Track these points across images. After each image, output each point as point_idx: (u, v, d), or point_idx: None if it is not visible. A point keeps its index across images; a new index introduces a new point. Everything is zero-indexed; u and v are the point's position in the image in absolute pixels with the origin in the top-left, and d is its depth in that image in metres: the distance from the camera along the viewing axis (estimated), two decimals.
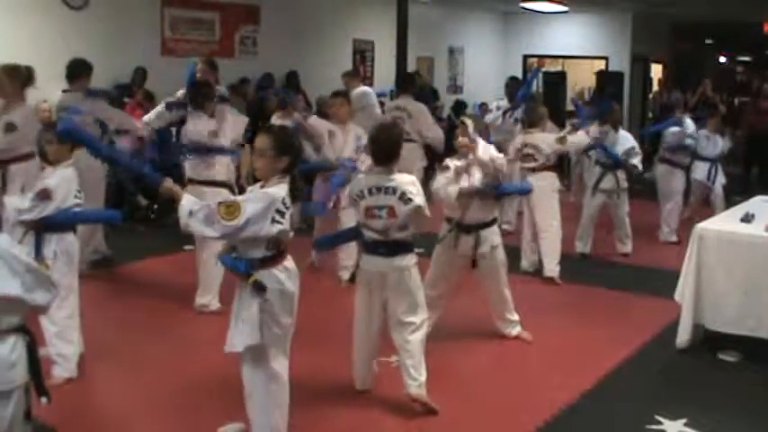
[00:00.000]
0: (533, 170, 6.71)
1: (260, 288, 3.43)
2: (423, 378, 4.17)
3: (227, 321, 3.61)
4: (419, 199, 4.05)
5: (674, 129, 8.27)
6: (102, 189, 6.78)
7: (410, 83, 8.66)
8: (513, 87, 9.18)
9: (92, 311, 4.83)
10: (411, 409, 4.18)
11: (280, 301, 3.50)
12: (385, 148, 4.14)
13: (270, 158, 3.48)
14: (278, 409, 3.58)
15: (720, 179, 8.74)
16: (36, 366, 2.97)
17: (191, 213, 3.41)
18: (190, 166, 5.75)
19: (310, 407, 4.16)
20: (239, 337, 3.49)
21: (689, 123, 8.33)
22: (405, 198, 4.03)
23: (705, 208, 8.62)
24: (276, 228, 3.41)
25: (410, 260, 4.17)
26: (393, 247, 4.12)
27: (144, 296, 6.08)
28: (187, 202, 3.46)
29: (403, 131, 4.44)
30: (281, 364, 3.57)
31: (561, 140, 6.68)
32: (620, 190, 7.47)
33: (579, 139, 6.98)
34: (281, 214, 3.43)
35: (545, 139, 6.69)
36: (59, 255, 4.36)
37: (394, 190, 4.05)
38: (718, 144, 8.70)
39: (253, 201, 3.43)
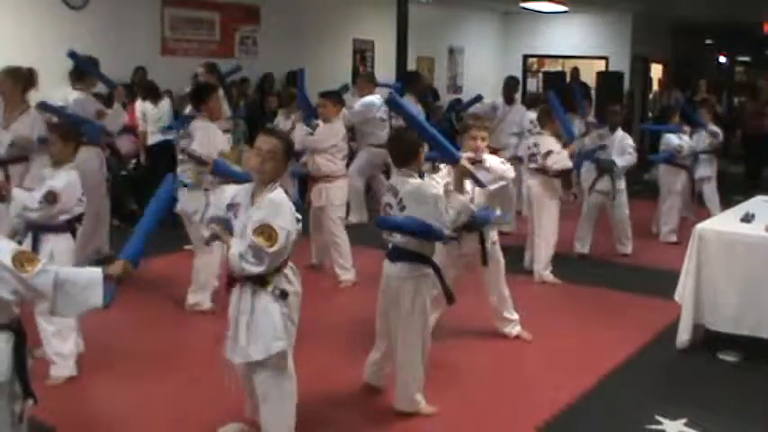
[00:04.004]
0: (535, 171, 6.73)
1: (284, 295, 3.46)
2: (407, 394, 4.13)
3: (226, 320, 3.62)
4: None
5: (673, 141, 8.18)
6: (103, 191, 6.78)
7: (413, 82, 8.61)
8: (510, 87, 9.13)
9: (91, 311, 4.82)
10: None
11: (295, 300, 3.54)
12: (397, 151, 4.17)
13: (279, 162, 3.49)
14: (292, 406, 3.60)
15: (703, 172, 8.65)
16: (22, 366, 2.93)
17: (241, 257, 3.33)
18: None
19: (309, 407, 4.16)
20: (258, 346, 3.45)
21: (686, 140, 8.24)
22: (401, 205, 3.99)
23: (703, 208, 8.63)
24: (299, 226, 3.48)
25: (411, 271, 4.04)
26: (396, 253, 4.07)
27: (143, 296, 6.07)
28: (235, 246, 3.37)
29: (400, 140, 4.36)
30: (291, 361, 3.60)
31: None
32: (616, 191, 7.46)
33: (560, 160, 6.65)
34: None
35: (548, 145, 6.68)
36: (56, 255, 4.35)
37: (396, 193, 4.03)
38: (702, 138, 8.63)
39: (282, 215, 3.40)
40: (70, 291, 2.86)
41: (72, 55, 6.52)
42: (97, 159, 6.62)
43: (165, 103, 8.92)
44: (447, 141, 4.15)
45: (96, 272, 2.92)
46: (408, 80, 8.69)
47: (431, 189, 4.04)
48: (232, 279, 3.56)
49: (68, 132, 4.63)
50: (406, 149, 4.11)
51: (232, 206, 3.52)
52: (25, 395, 2.99)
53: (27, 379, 2.98)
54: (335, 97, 6.72)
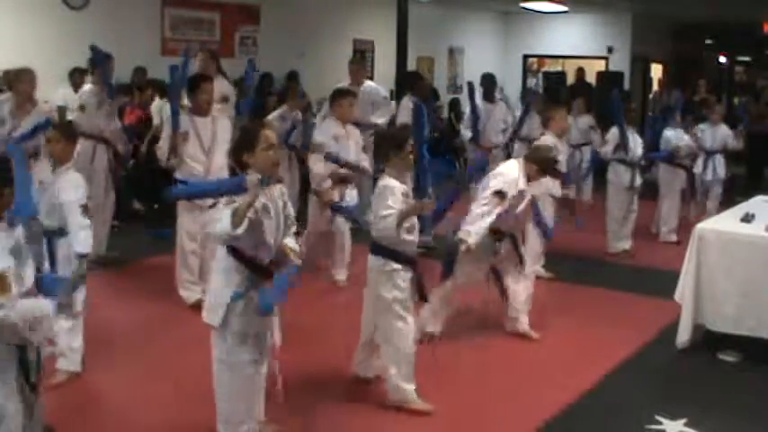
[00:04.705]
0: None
1: None
2: (392, 384, 4.19)
3: None
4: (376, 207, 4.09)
5: (671, 141, 8.17)
6: (102, 184, 6.77)
7: (416, 80, 8.49)
8: (488, 86, 8.97)
9: (91, 310, 4.82)
10: (409, 407, 4.19)
11: None
12: (374, 148, 4.41)
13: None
14: None
15: (720, 173, 8.69)
16: (25, 360, 2.92)
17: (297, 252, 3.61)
18: None
19: (304, 406, 4.16)
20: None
21: (686, 140, 8.25)
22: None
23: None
24: None
25: (378, 264, 4.15)
26: (374, 246, 4.21)
27: (144, 295, 6.08)
28: (292, 241, 3.63)
29: (393, 133, 4.44)
30: None
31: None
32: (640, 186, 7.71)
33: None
34: None
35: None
36: (71, 258, 4.35)
37: (375, 186, 4.22)
38: (717, 136, 8.67)
39: None
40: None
41: (92, 48, 6.70)
42: (90, 151, 6.67)
43: None
44: (428, 175, 4.26)
45: (47, 306, 2.86)
46: (410, 81, 8.54)
47: (389, 190, 4.07)
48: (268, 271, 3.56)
49: (71, 131, 4.60)
50: (377, 148, 4.30)
51: (266, 210, 3.50)
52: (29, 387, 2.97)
53: (30, 371, 2.96)
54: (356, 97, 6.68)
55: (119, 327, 5.38)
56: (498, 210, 4.88)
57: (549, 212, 6.74)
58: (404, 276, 4.14)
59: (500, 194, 4.89)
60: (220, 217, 3.31)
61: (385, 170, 4.17)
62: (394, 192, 4.04)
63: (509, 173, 5.06)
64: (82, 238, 4.20)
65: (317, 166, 6.27)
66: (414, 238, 4.18)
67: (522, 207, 5.08)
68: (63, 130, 4.54)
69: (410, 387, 4.19)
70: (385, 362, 4.23)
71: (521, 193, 5.03)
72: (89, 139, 6.64)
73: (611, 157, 7.72)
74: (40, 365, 3.01)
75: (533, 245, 6.78)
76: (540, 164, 5.16)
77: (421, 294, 4.30)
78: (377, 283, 4.16)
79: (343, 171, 6.29)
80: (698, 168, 8.59)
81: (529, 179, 5.11)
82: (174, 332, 5.37)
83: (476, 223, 4.86)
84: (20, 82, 6.22)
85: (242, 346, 3.52)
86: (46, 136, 4.51)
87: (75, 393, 4.33)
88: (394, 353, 4.17)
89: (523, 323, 5.38)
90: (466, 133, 8.78)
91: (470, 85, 8.77)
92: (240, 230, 3.27)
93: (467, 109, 9.11)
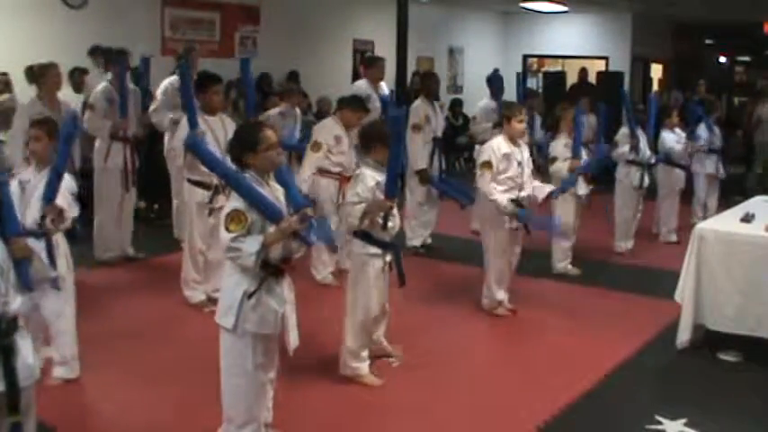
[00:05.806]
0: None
1: None
2: (343, 360, 4.49)
3: None
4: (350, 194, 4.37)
5: (666, 142, 8.17)
6: (118, 183, 6.77)
7: (433, 81, 8.38)
8: (497, 84, 8.85)
9: (91, 311, 4.82)
10: (409, 407, 4.20)
11: None
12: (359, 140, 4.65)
13: None
14: None
15: (727, 171, 8.84)
16: (12, 378, 2.87)
17: None
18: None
19: (298, 405, 4.16)
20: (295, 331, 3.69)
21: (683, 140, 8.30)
22: None
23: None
24: None
25: (359, 248, 4.38)
26: (355, 231, 4.40)
27: (143, 295, 6.08)
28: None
29: (381, 126, 4.62)
30: None
31: (551, 161, 6.82)
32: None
33: (559, 170, 6.80)
34: None
35: (554, 152, 6.83)
36: (68, 255, 4.37)
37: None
38: (719, 136, 8.76)
39: None
40: None
41: (107, 50, 6.98)
42: (105, 150, 6.67)
43: None
44: (395, 179, 4.32)
45: None
46: (427, 81, 8.38)
47: (362, 179, 4.31)
48: (282, 269, 3.56)
49: (54, 129, 4.34)
50: (363, 138, 4.54)
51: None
52: (10, 409, 2.89)
53: (17, 392, 2.90)
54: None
55: (118, 326, 5.37)
56: (490, 176, 5.39)
57: (570, 211, 6.78)
58: (378, 261, 4.36)
59: (487, 164, 5.41)
60: (239, 247, 3.32)
61: (365, 161, 4.41)
62: (366, 181, 4.26)
63: (490, 143, 5.54)
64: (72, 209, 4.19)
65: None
66: (390, 226, 4.33)
67: (513, 171, 5.40)
68: (47, 128, 4.30)
69: (359, 366, 4.45)
70: (345, 338, 4.47)
71: (506, 156, 5.40)
72: (103, 139, 6.65)
73: (625, 157, 7.70)
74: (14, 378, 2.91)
75: (557, 245, 6.86)
76: (513, 114, 5.47)
77: (401, 279, 4.46)
78: (352, 265, 4.45)
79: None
80: (712, 169, 8.65)
81: (512, 140, 5.46)
82: (174, 332, 5.37)
83: (492, 193, 5.36)
84: (46, 77, 6.15)
85: (252, 349, 3.50)
86: (29, 134, 4.39)
87: (75, 394, 4.32)
88: (350, 332, 4.43)
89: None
90: (477, 129, 8.62)
91: (496, 71, 8.68)
92: (257, 268, 3.37)
93: (478, 105, 9.02)
